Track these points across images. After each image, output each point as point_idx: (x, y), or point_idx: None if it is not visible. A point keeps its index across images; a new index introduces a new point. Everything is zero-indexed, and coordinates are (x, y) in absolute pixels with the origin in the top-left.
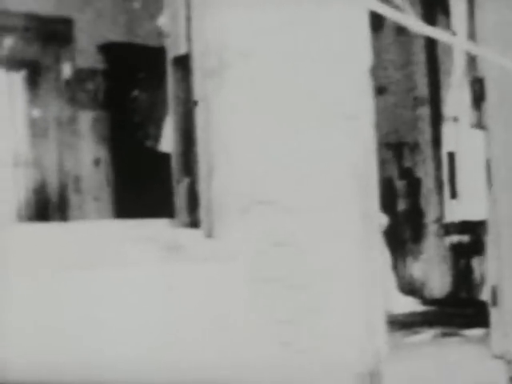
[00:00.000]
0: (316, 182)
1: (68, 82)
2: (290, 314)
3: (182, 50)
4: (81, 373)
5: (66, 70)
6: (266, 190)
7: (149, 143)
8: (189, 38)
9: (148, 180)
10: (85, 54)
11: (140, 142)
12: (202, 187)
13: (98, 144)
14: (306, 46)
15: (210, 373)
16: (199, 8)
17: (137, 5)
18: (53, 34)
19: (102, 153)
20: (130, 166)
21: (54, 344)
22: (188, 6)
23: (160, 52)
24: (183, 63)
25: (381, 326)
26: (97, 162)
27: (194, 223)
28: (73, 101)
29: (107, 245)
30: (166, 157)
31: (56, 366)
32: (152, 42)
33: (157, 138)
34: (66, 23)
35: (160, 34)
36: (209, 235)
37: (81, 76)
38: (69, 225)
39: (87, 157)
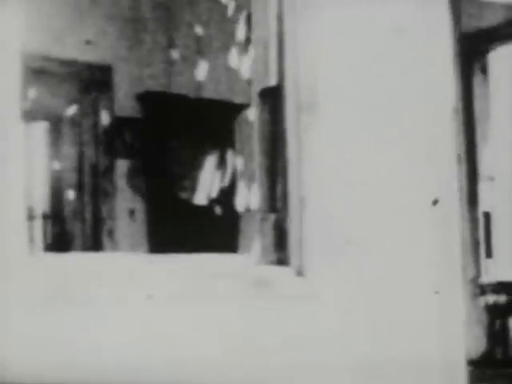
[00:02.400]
0: (403, 222)
1: (105, 131)
2: (375, 365)
3: (272, 82)
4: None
5: (104, 118)
6: (357, 229)
7: (184, 195)
8: (280, 71)
9: (183, 233)
10: (123, 102)
11: (175, 193)
12: (292, 224)
13: (134, 194)
14: (394, 85)
15: None
16: (291, 40)
17: (175, 55)
18: (91, 81)
19: (138, 203)
20: (165, 218)
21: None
22: (280, 37)
23: (198, 103)
24: (271, 96)
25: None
26: (132, 213)
27: (281, 261)
28: (110, 149)
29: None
30: (200, 210)
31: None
32: (190, 92)
33: (192, 190)
34: (105, 71)
35: (198, 85)
36: (299, 273)
37: (118, 124)
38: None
39: (122, 207)
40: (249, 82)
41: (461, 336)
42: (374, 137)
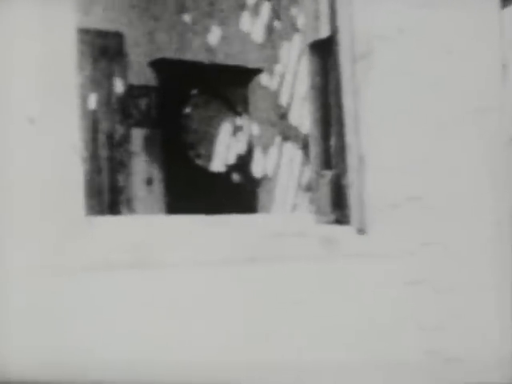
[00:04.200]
0: (455, 178)
1: (120, 99)
2: (436, 320)
3: (323, 34)
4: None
5: (119, 87)
6: (415, 185)
7: (200, 162)
8: (333, 21)
9: (201, 200)
10: (136, 70)
11: (192, 160)
12: (351, 181)
13: (150, 163)
14: (447, 34)
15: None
16: None
17: (187, 20)
18: (104, 49)
19: (155, 172)
20: (183, 185)
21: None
22: None
23: (212, 68)
24: (323, 48)
25: None
26: (149, 182)
27: (340, 219)
28: (125, 118)
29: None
30: (218, 176)
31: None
32: (203, 57)
33: (209, 156)
34: (117, 38)
35: (210, 49)
36: (360, 231)
37: (133, 93)
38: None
39: (139, 176)
40: (262, 46)
41: None
42: (432, 87)
